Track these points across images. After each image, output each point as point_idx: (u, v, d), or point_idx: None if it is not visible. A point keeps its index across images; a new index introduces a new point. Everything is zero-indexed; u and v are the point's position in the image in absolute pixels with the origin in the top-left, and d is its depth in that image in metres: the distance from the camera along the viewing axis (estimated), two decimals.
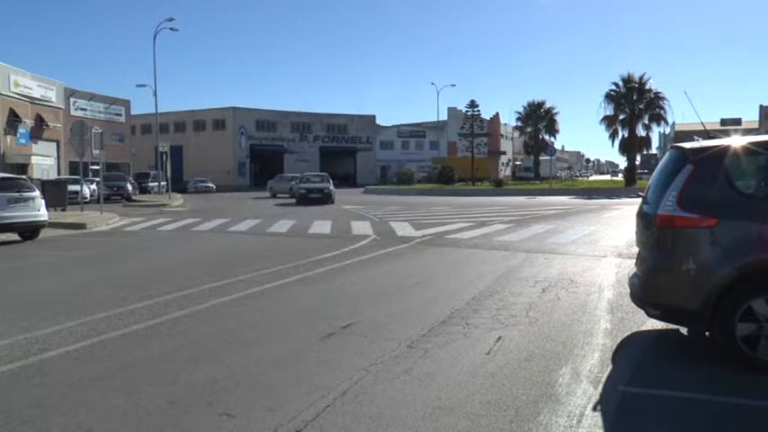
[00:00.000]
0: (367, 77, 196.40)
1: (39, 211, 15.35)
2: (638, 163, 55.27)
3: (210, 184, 59.00)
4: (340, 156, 79.86)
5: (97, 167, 33.12)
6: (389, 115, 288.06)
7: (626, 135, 46.24)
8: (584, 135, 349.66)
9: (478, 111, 65.56)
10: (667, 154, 5.82)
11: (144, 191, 46.94)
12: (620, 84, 45.98)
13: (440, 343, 5.55)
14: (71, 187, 27.53)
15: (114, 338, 5.86)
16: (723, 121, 72.17)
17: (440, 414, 3.95)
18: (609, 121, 46.40)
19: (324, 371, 4.80)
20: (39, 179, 27.92)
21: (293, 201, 34.10)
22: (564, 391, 4.33)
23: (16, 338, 5.82)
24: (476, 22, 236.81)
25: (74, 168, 38.49)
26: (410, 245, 13.25)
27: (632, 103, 45.69)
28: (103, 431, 3.77)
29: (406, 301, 7.49)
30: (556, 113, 74.56)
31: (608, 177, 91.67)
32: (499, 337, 5.71)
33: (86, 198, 29.78)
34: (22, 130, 39.93)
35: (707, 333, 5.27)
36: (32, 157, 39.92)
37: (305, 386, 4.46)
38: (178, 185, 53.34)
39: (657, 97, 45.40)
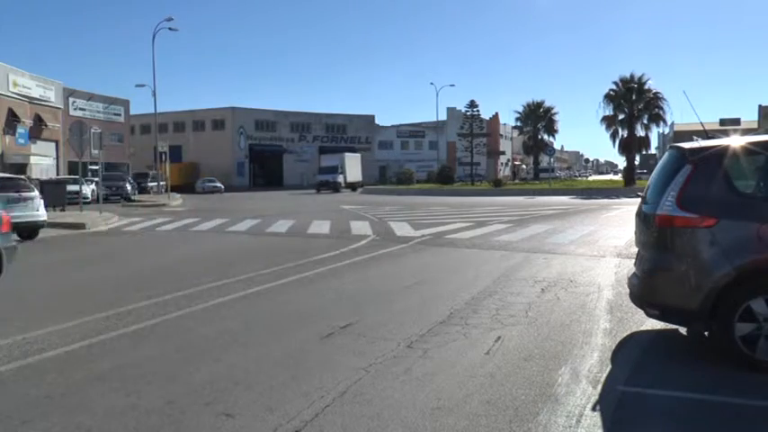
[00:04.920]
0: (366, 77, 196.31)
1: (38, 211, 15.36)
2: (637, 163, 55.34)
3: (219, 185, 56.47)
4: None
5: (96, 167, 33.12)
6: (389, 115, 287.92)
7: (625, 135, 46.28)
8: (584, 135, 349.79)
9: (478, 111, 65.44)
10: (666, 154, 5.82)
11: (143, 191, 46.91)
12: (620, 84, 46.02)
13: (439, 343, 5.55)
14: (70, 187, 27.51)
15: (113, 338, 5.85)
16: (722, 121, 72.09)
17: (439, 414, 3.95)
18: (608, 122, 46.44)
19: (323, 371, 4.80)
20: (38, 179, 27.94)
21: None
22: (563, 391, 4.33)
23: (15, 339, 5.81)
24: (475, 23, 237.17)
25: (73, 168, 38.46)
26: (409, 245, 13.24)
27: (631, 104, 45.74)
28: (102, 431, 3.77)
29: (405, 301, 7.49)
30: (555, 113, 74.54)
31: (608, 177, 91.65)
32: (498, 338, 5.71)
33: (87, 198, 29.74)
34: (20, 129, 39.95)
35: (706, 333, 5.28)
36: (31, 157, 39.99)
37: (304, 386, 4.46)
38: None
39: (656, 97, 45.47)
